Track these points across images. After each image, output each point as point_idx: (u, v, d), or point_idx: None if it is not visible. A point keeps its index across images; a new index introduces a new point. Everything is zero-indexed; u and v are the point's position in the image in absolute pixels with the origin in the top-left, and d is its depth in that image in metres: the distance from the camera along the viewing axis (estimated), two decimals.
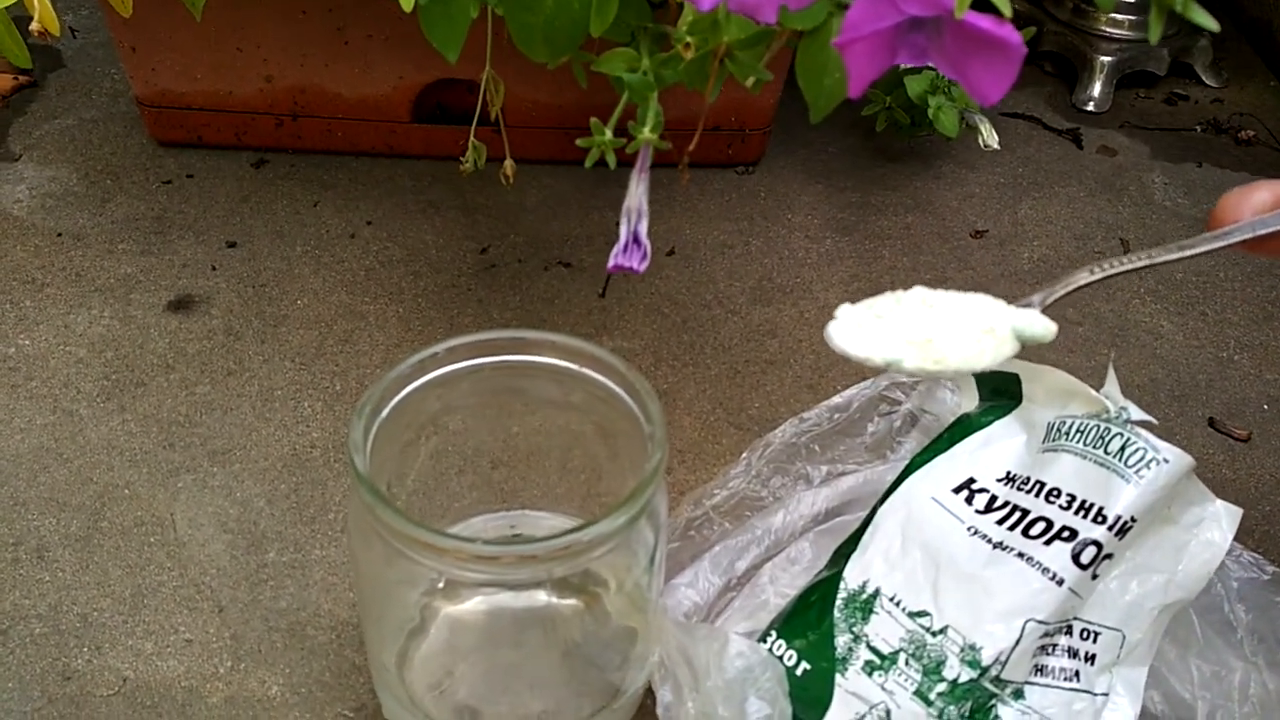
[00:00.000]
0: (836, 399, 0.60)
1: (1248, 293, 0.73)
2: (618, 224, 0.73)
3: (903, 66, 0.72)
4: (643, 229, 0.42)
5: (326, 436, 0.59)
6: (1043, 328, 0.36)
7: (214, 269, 0.68)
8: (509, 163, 0.60)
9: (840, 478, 0.57)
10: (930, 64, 0.33)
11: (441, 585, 0.40)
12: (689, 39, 0.42)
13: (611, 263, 0.42)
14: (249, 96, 0.73)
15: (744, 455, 0.57)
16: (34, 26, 0.51)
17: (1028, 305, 0.37)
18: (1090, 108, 0.89)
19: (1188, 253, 0.34)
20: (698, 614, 0.51)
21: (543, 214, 0.75)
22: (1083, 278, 0.37)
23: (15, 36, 0.53)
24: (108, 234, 0.69)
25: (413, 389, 0.41)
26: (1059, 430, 0.47)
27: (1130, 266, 0.35)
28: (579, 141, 0.44)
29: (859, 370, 0.66)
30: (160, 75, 0.72)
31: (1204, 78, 0.94)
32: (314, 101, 0.74)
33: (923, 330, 0.36)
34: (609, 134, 0.44)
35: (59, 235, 0.69)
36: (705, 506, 0.55)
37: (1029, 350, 0.61)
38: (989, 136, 0.72)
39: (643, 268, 0.42)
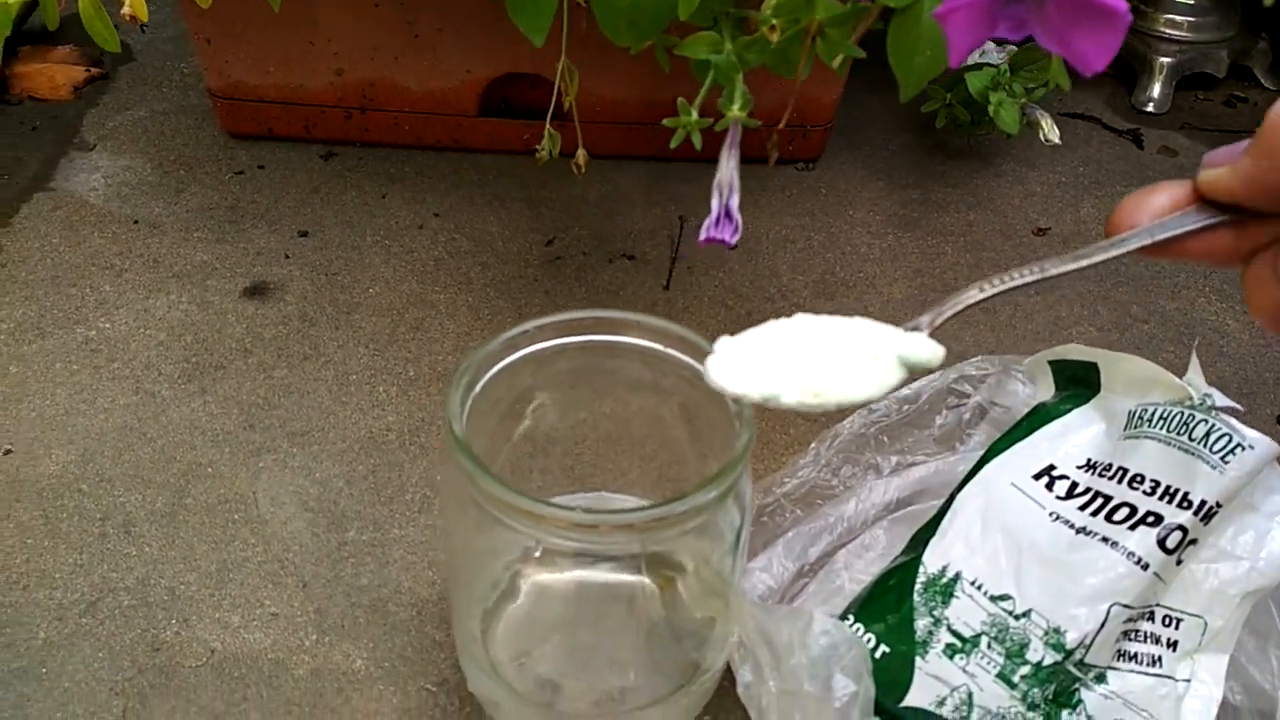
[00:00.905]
0: (905, 391, 0.60)
1: None
2: (681, 219, 0.75)
3: (965, 64, 0.73)
4: (734, 203, 0.43)
5: (401, 420, 0.60)
6: (929, 352, 0.34)
7: (287, 257, 0.69)
8: (581, 153, 0.60)
9: (910, 468, 0.57)
10: (1029, 35, 0.34)
11: (538, 554, 0.41)
12: (775, 20, 0.43)
13: (703, 235, 0.43)
14: (319, 90, 0.74)
15: (812, 445, 0.58)
16: (125, 11, 0.52)
17: (915, 328, 0.35)
18: (1150, 109, 0.89)
19: (1083, 263, 0.32)
20: (772, 598, 0.52)
21: (605, 208, 0.75)
22: (972, 295, 0.34)
23: (105, 20, 0.54)
24: (183, 222, 0.71)
25: (505, 364, 0.42)
26: (1141, 417, 0.47)
27: (1021, 281, 0.33)
28: (666, 121, 0.45)
29: None
30: (234, 68, 0.73)
31: (1263, 80, 0.94)
32: (383, 95, 0.75)
33: (802, 362, 0.34)
34: (695, 115, 0.44)
35: (135, 223, 0.71)
36: (776, 494, 0.56)
37: (1100, 339, 0.61)
38: (1050, 131, 0.72)
39: (734, 240, 0.43)
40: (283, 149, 0.77)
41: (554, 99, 0.58)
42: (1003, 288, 0.33)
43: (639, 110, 0.75)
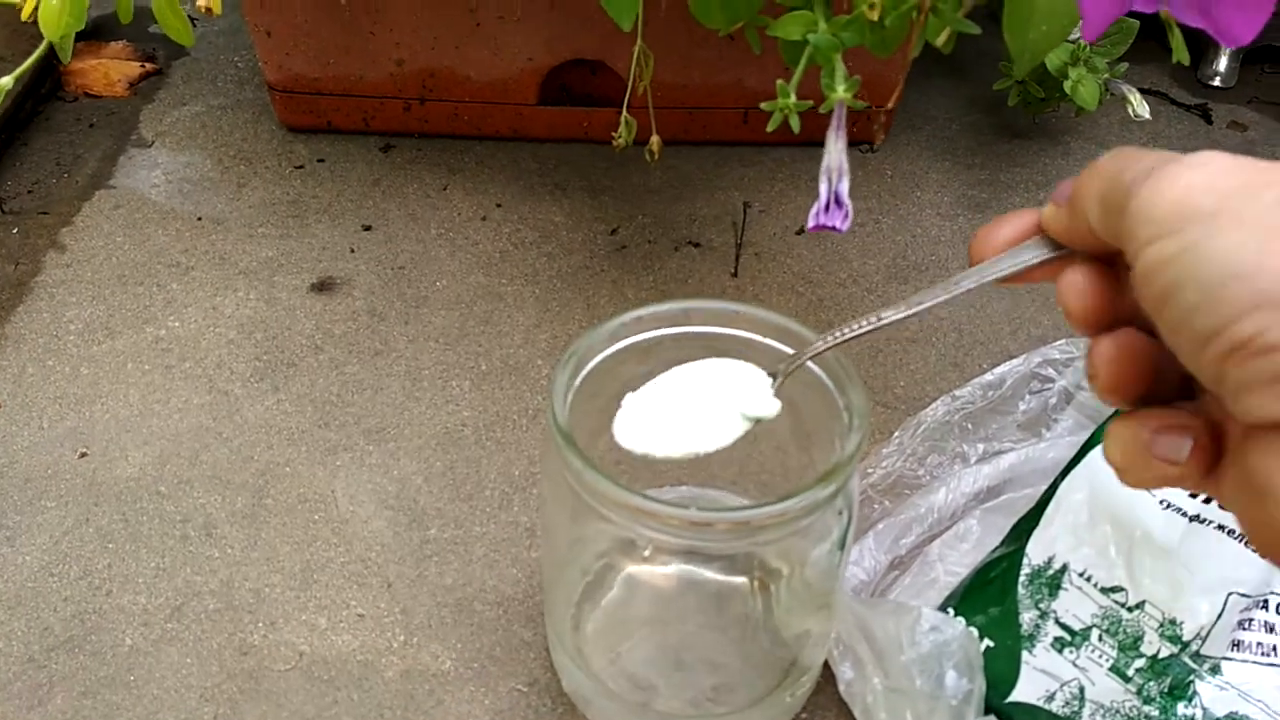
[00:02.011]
0: (989, 376, 0.59)
1: None
2: (745, 205, 0.73)
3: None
4: (844, 188, 0.42)
5: (476, 415, 0.59)
6: (764, 409, 0.36)
7: (352, 251, 0.68)
8: (655, 139, 0.59)
9: (998, 456, 0.56)
10: (1164, 9, 0.32)
11: (646, 552, 0.40)
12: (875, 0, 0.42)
13: (812, 223, 0.42)
14: (379, 81, 0.74)
15: (895, 434, 0.56)
16: (201, 3, 0.51)
17: (774, 374, 0.37)
18: (1216, 83, 0.87)
19: (914, 310, 0.31)
20: (865, 591, 0.51)
21: (668, 195, 0.74)
22: (817, 346, 0.35)
23: (178, 11, 0.53)
24: (246, 218, 0.70)
25: (605, 356, 0.41)
26: None
27: (860, 331, 0.32)
28: (764, 105, 0.43)
29: (1005, 348, 0.65)
30: (293, 60, 0.72)
31: None
32: (443, 85, 0.74)
33: (681, 416, 0.37)
34: (793, 97, 0.43)
35: (199, 219, 0.70)
36: (863, 485, 0.55)
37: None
38: (1139, 106, 0.70)
39: (845, 226, 0.42)
40: (341, 142, 0.76)
41: (630, 85, 0.57)
42: (842, 338, 0.34)
43: (701, 96, 0.74)
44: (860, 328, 0.33)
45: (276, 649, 0.49)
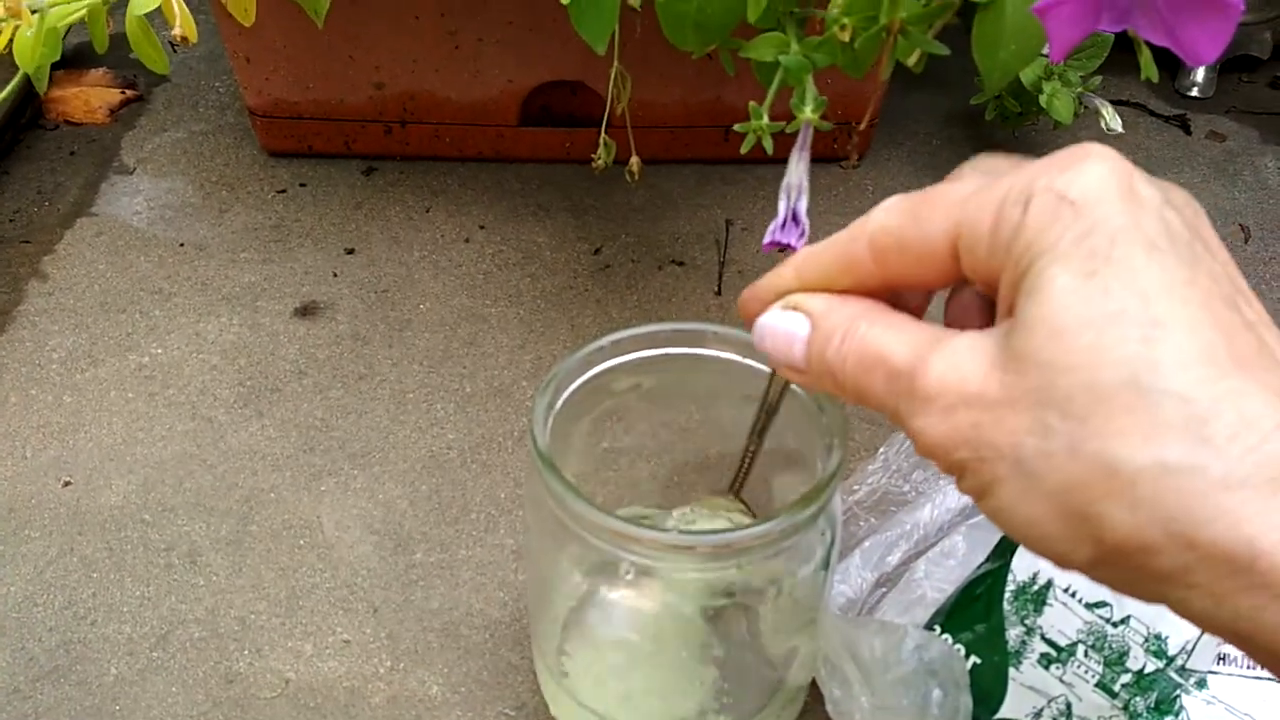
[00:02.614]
0: None
1: None
2: (728, 223, 0.74)
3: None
4: (802, 206, 0.42)
5: (461, 438, 0.59)
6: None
7: (335, 275, 0.68)
8: (635, 160, 0.60)
9: None
10: (1129, 27, 0.33)
11: (629, 576, 0.40)
12: (845, 20, 0.42)
13: (768, 239, 0.42)
14: (359, 104, 0.74)
15: (880, 450, 0.57)
16: (176, 32, 0.51)
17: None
18: (1194, 93, 0.88)
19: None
20: (851, 609, 0.51)
21: (650, 213, 0.74)
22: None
23: (153, 40, 0.53)
24: (228, 244, 0.70)
25: (584, 380, 0.41)
26: None
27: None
28: (737, 127, 0.44)
29: None
30: (273, 85, 0.73)
31: None
32: (423, 107, 0.74)
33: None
34: (765, 118, 0.43)
35: (180, 245, 0.70)
36: (848, 502, 0.55)
37: None
38: (1111, 120, 0.71)
39: (800, 244, 0.42)
40: (323, 165, 0.76)
41: (607, 106, 0.57)
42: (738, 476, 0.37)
43: (681, 114, 0.74)
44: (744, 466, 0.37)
45: (262, 676, 0.49)
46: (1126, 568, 0.23)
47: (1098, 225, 0.23)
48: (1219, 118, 0.86)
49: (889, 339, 0.27)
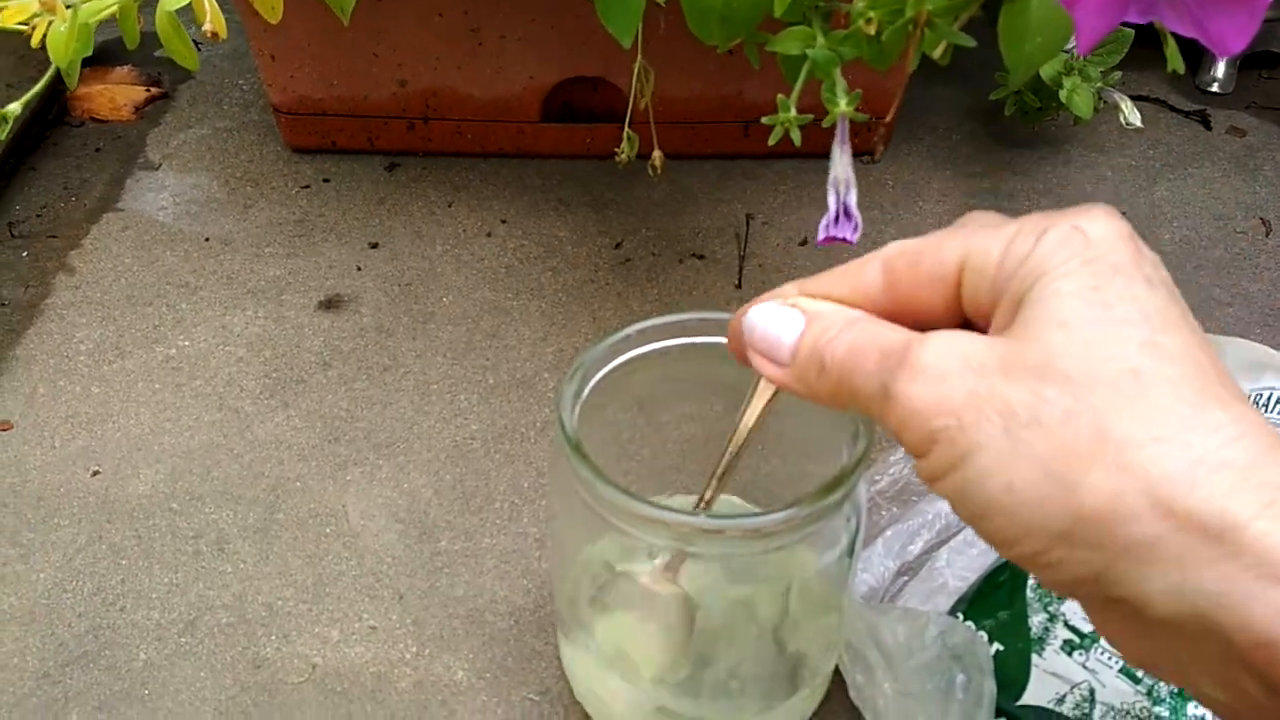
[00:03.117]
0: None
1: None
2: (748, 217, 0.74)
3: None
4: (852, 200, 0.42)
5: (484, 428, 0.59)
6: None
7: (359, 269, 0.69)
8: (658, 154, 0.60)
9: None
10: (1156, 19, 0.33)
11: (659, 560, 0.40)
12: (871, 14, 0.42)
13: (822, 235, 0.42)
14: (383, 101, 0.74)
15: None
16: (207, 27, 0.52)
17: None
18: (1214, 89, 0.88)
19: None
20: (874, 597, 0.51)
21: (671, 208, 0.75)
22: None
23: (183, 36, 0.54)
24: (253, 238, 0.71)
25: (612, 368, 0.42)
26: (1255, 403, 0.46)
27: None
28: (764, 119, 0.44)
29: None
30: (298, 82, 0.73)
31: None
32: (445, 104, 0.75)
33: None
34: (793, 111, 0.44)
35: (206, 240, 0.71)
36: (871, 492, 0.55)
37: (1209, 323, 0.58)
38: (1130, 114, 0.71)
39: (855, 238, 0.42)
40: (346, 162, 0.77)
41: (630, 101, 0.57)
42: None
43: (702, 109, 0.75)
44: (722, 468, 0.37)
45: (290, 662, 0.49)
46: (1090, 542, 0.24)
47: (1103, 256, 0.25)
48: (1239, 113, 0.86)
49: (885, 330, 0.28)
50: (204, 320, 0.65)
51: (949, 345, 0.26)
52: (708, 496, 0.38)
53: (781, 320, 0.30)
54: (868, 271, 0.30)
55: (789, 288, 0.31)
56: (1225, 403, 0.24)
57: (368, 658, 0.49)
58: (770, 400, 0.36)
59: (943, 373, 0.25)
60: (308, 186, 0.75)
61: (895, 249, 0.29)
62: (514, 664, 0.49)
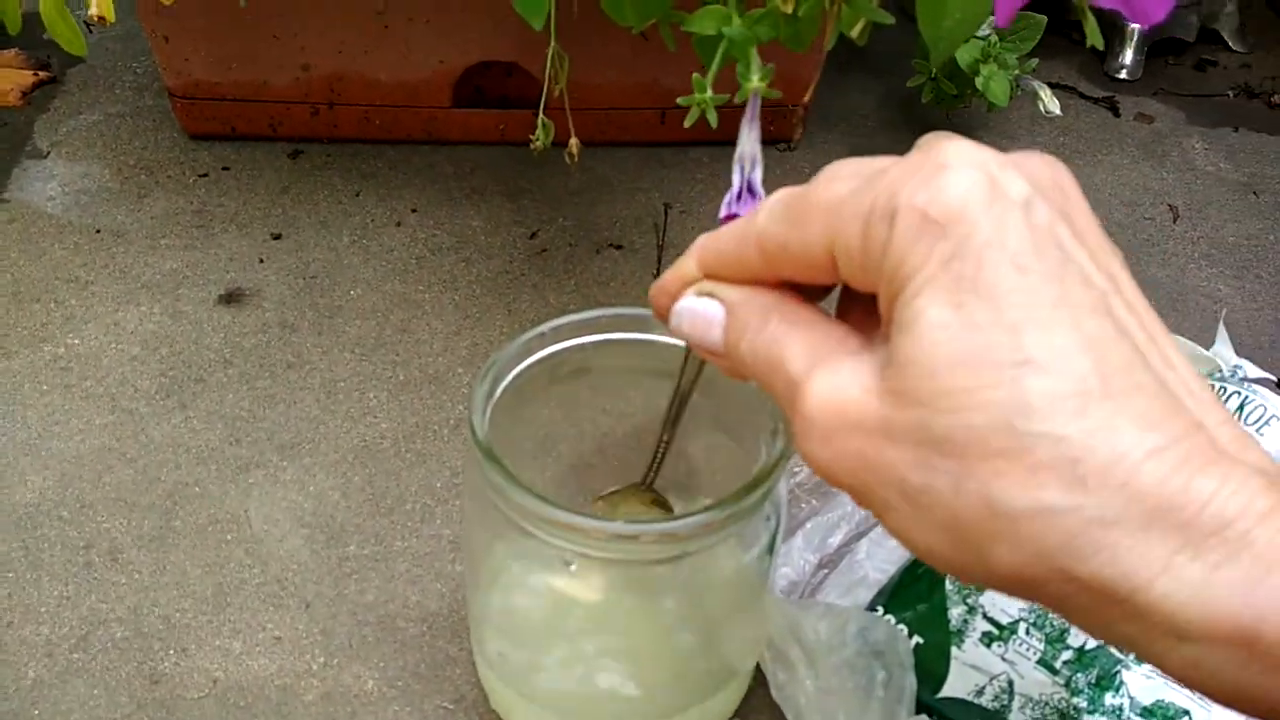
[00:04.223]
0: None
1: None
2: (666, 206, 0.73)
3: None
4: (757, 177, 0.41)
5: (395, 427, 0.57)
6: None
7: (261, 261, 0.66)
8: (574, 141, 0.58)
9: None
10: None
11: (573, 568, 0.39)
12: None
13: (724, 212, 0.41)
14: (284, 86, 0.71)
15: None
16: (92, 11, 0.49)
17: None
18: (1123, 75, 0.89)
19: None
20: (794, 591, 0.50)
21: (588, 197, 0.73)
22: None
23: (69, 19, 0.51)
24: (148, 230, 0.68)
25: (523, 368, 0.40)
26: None
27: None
28: (680, 100, 0.43)
29: None
30: (193, 66, 0.70)
31: (1231, 43, 0.94)
32: (351, 89, 0.72)
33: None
34: (710, 91, 0.42)
35: (97, 232, 0.67)
36: (791, 484, 0.54)
37: None
38: (1050, 103, 0.71)
39: None
40: (247, 149, 0.74)
41: (545, 86, 0.56)
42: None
43: (618, 96, 0.73)
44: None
45: (189, 676, 0.47)
46: (1021, 593, 0.24)
47: (962, 245, 0.23)
48: (1147, 99, 0.87)
49: (790, 343, 0.27)
50: (95, 317, 0.62)
51: (830, 397, 0.25)
52: (651, 476, 0.37)
53: (704, 311, 0.29)
54: (749, 254, 0.28)
55: (690, 264, 0.30)
56: (1111, 424, 0.22)
57: (272, 670, 0.47)
58: (703, 363, 0.35)
59: (828, 433, 0.25)
60: (206, 175, 0.72)
61: (763, 230, 0.28)
62: (427, 671, 0.48)
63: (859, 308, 0.28)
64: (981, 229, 0.23)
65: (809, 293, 0.29)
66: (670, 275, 0.31)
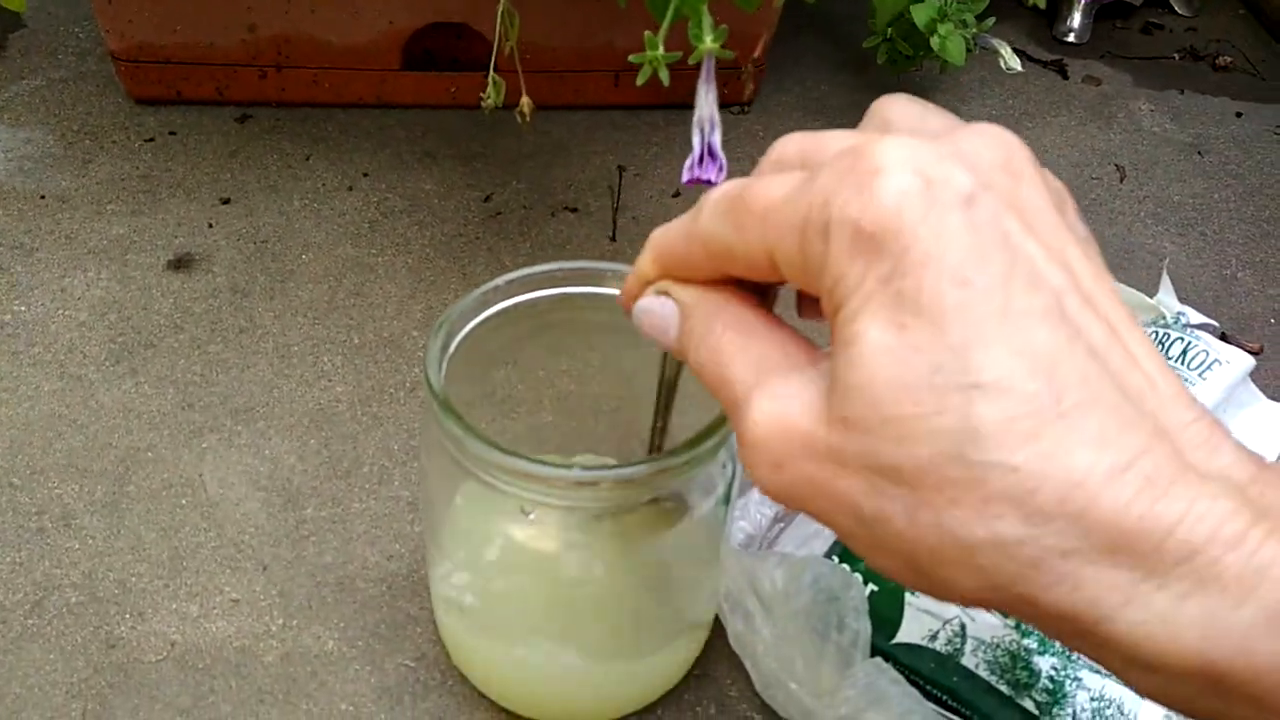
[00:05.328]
0: None
1: (1243, 212, 0.74)
2: (620, 169, 0.72)
3: None
4: (716, 140, 0.41)
5: (350, 390, 0.57)
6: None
7: (210, 226, 0.65)
8: (526, 101, 0.58)
9: None
10: None
11: (532, 516, 0.39)
12: None
13: (686, 176, 0.41)
14: (231, 48, 0.70)
15: None
16: None
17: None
18: (1071, 39, 0.90)
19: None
20: (751, 544, 0.51)
21: (542, 160, 0.73)
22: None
23: None
24: (94, 195, 0.66)
25: (479, 321, 0.40)
26: None
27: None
28: (632, 57, 0.43)
29: None
30: (137, 28, 0.69)
31: (1176, 8, 0.95)
32: (299, 51, 0.71)
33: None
34: (661, 49, 0.42)
35: (42, 198, 0.66)
36: None
37: None
38: (1010, 59, 0.72)
39: (720, 179, 0.41)
40: (194, 113, 0.73)
41: (495, 46, 0.55)
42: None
43: (571, 58, 0.73)
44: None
45: (146, 640, 0.47)
46: (989, 610, 0.24)
47: (900, 261, 0.22)
48: (1095, 62, 0.88)
49: (735, 356, 0.26)
50: (41, 284, 0.61)
51: (774, 422, 0.24)
52: (657, 439, 0.37)
53: (661, 311, 0.29)
54: (697, 254, 0.28)
55: (646, 262, 0.30)
56: (1065, 448, 0.21)
57: (230, 632, 0.47)
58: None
59: (777, 459, 0.24)
60: (152, 140, 0.71)
61: (708, 233, 0.27)
62: (387, 631, 0.48)
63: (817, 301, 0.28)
64: (919, 241, 0.22)
65: (765, 287, 0.28)
66: (630, 276, 0.31)
